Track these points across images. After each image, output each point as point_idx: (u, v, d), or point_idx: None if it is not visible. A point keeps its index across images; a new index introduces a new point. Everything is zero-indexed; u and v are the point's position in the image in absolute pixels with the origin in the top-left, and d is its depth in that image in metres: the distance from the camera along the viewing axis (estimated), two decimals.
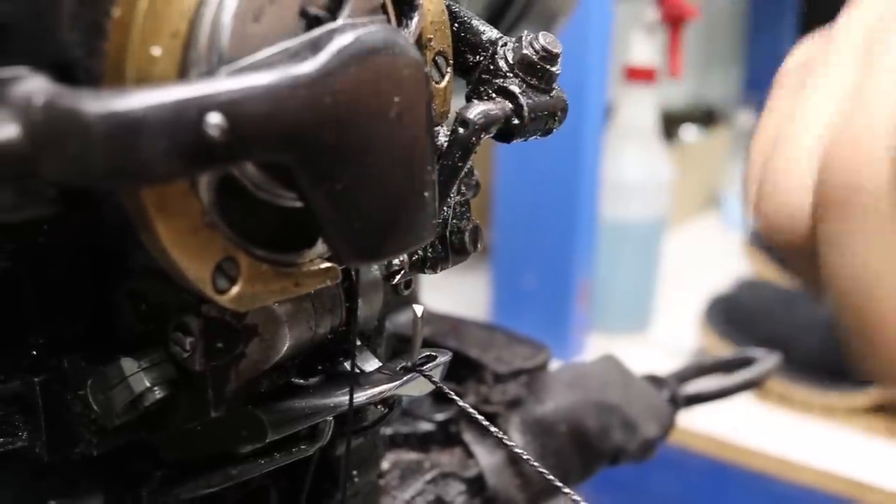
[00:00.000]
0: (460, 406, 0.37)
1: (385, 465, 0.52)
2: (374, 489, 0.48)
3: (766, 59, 2.64)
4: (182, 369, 0.34)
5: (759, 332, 1.32)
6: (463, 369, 0.58)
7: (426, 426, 0.55)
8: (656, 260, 1.46)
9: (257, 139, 0.25)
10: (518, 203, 1.35)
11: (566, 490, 0.42)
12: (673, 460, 1.24)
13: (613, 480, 1.28)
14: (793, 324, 1.32)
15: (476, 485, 0.55)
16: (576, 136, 1.27)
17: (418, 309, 0.36)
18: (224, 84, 0.25)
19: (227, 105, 0.24)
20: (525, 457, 0.41)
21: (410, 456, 0.54)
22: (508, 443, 0.40)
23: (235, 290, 0.29)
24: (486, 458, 0.55)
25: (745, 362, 0.70)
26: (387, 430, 0.52)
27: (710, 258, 1.77)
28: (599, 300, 1.42)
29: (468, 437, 0.56)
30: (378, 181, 0.29)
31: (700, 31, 2.34)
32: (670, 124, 1.82)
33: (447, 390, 0.37)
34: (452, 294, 1.53)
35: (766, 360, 0.69)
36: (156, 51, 0.26)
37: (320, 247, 0.32)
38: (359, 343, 0.37)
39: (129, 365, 0.34)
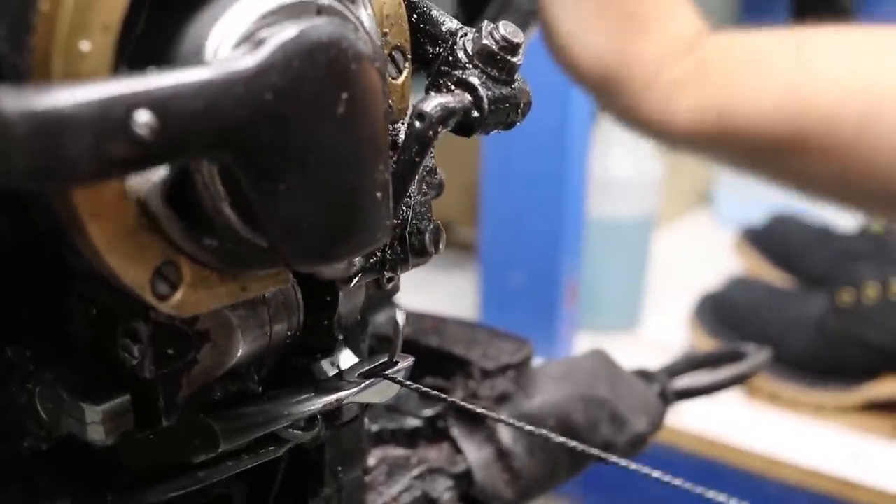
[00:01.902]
0: (434, 397, 0.36)
1: (372, 461, 0.52)
2: (360, 485, 0.47)
3: None
4: (132, 377, 0.33)
5: (749, 330, 1.31)
6: (449, 365, 0.58)
7: (413, 422, 0.54)
8: (645, 258, 1.45)
9: (190, 138, 0.24)
10: (505, 201, 1.34)
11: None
12: (661, 459, 1.23)
13: (602, 479, 1.27)
14: (783, 322, 1.31)
15: (464, 480, 0.54)
16: (563, 133, 1.26)
17: (400, 316, 0.35)
18: (154, 80, 0.23)
19: (157, 102, 0.23)
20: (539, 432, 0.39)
21: (397, 452, 0.53)
22: (519, 424, 0.39)
23: (177, 295, 0.28)
24: (474, 454, 0.55)
25: (735, 356, 0.69)
26: (373, 426, 0.51)
27: (701, 256, 1.76)
28: (588, 299, 1.41)
29: (456, 432, 0.55)
30: (325, 181, 0.27)
31: None
32: None
33: (413, 385, 0.36)
34: (439, 294, 1.52)
35: (757, 355, 0.68)
36: (85, 45, 0.24)
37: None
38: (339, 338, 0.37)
39: (91, 413, 0.33)
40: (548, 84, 1.26)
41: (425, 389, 0.39)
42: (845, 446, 1.19)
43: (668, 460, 1.23)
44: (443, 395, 0.38)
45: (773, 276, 1.56)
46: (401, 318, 0.35)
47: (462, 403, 0.41)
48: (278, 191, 0.26)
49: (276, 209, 0.27)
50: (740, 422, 1.24)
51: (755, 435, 1.21)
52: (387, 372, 0.35)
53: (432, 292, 1.50)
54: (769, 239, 1.62)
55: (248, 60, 0.25)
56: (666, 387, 0.64)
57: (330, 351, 0.36)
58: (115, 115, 0.23)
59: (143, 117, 0.23)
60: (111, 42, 0.25)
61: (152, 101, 0.23)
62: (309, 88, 0.26)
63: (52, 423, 0.34)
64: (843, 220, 1.69)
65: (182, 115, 0.24)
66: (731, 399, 1.28)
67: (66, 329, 0.35)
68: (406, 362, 0.37)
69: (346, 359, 0.36)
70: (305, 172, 0.27)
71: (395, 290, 0.42)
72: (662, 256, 1.60)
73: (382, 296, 0.46)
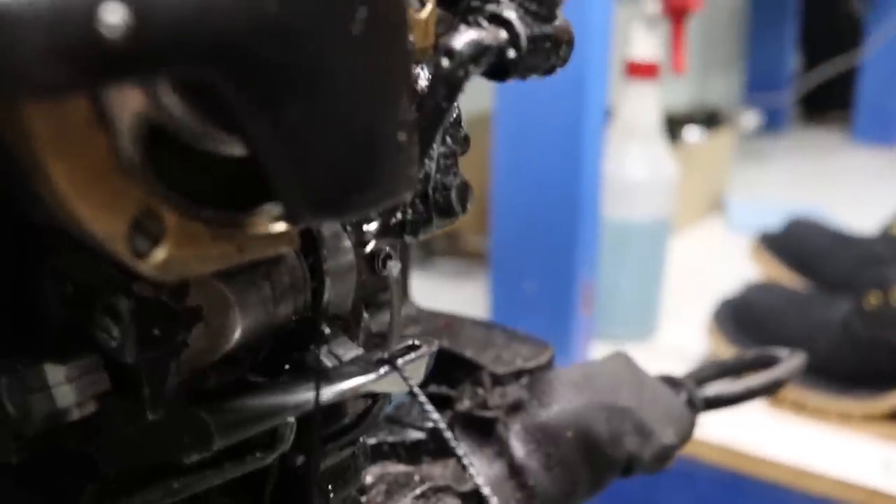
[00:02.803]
0: (428, 413, 0.31)
1: (369, 478, 0.46)
2: None
3: (768, 61, 2.60)
4: (113, 362, 0.28)
5: (771, 336, 1.26)
6: (458, 371, 0.52)
7: (416, 435, 0.49)
8: (662, 262, 1.40)
9: (175, 46, 0.19)
10: (516, 205, 1.29)
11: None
12: (683, 471, 1.18)
13: (621, 492, 1.22)
14: (805, 327, 1.26)
15: (473, 500, 0.48)
16: (576, 135, 1.21)
17: (394, 267, 0.30)
18: None
19: None
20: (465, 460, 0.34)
21: (398, 468, 0.48)
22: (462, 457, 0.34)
23: (159, 253, 0.23)
24: (484, 470, 0.49)
25: (767, 361, 0.64)
26: (370, 439, 0.46)
27: (717, 262, 1.71)
28: (603, 305, 1.36)
29: (464, 446, 0.50)
30: (338, 114, 0.23)
31: (701, 31, 2.30)
32: (673, 125, 1.76)
33: (418, 393, 0.31)
34: (450, 301, 1.47)
35: (791, 360, 0.63)
36: None
37: (274, 207, 0.26)
38: (329, 331, 0.31)
39: (53, 373, 0.28)
40: (561, 85, 1.23)
41: (422, 396, 0.34)
42: (874, 456, 1.14)
43: (689, 472, 1.18)
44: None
45: (791, 280, 1.52)
46: (395, 268, 0.30)
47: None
48: (282, 122, 0.22)
49: (278, 144, 0.22)
50: (764, 431, 1.19)
51: (779, 445, 1.16)
52: (407, 357, 0.30)
53: (442, 300, 1.45)
54: (787, 243, 1.57)
55: None
56: (694, 394, 0.59)
57: (318, 342, 0.31)
58: (77, 8, 0.18)
59: (113, 14, 0.18)
60: None
61: None
62: (319, 0, 0.22)
63: (21, 416, 0.29)
64: (862, 222, 1.65)
65: (165, 16, 0.19)
66: (755, 408, 1.23)
67: (39, 314, 0.31)
68: (428, 347, 0.32)
69: (344, 347, 0.31)
70: (314, 101, 0.22)
71: (392, 277, 0.36)
72: (677, 263, 1.55)
73: (377, 282, 0.40)
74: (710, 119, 1.97)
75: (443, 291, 1.53)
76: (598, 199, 1.27)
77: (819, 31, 2.67)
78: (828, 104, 2.71)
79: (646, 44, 1.31)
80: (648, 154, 1.33)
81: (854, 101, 2.54)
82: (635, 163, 1.32)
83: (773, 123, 2.53)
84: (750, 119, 2.20)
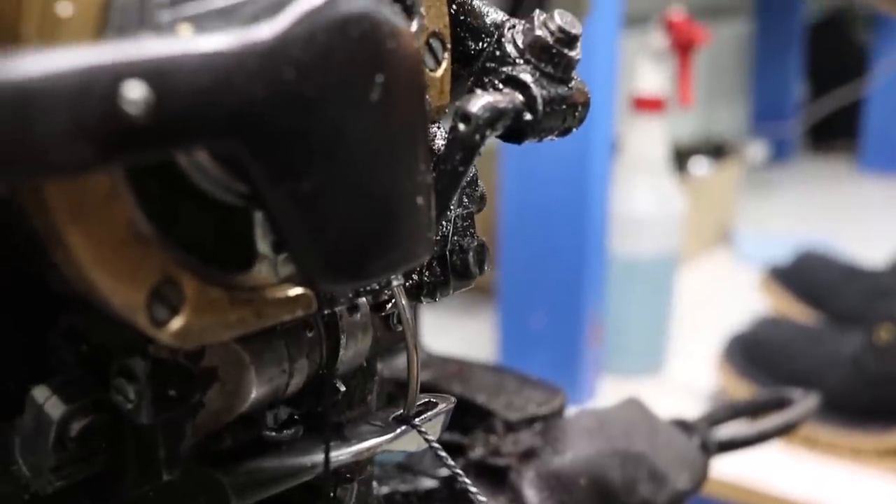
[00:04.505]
0: (455, 473, 0.31)
1: None
2: None
3: (774, 91, 2.60)
4: (128, 423, 0.28)
5: (781, 371, 1.25)
6: (470, 417, 0.52)
7: (429, 483, 0.48)
8: (670, 296, 1.39)
9: (194, 120, 0.19)
10: (524, 240, 1.29)
11: None
12: None
13: None
14: (816, 362, 1.25)
15: None
16: (583, 169, 1.21)
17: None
18: (150, 47, 0.19)
19: (153, 73, 0.19)
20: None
21: None
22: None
23: (178, 321, 0.23)
24: None
25: (779, 403, 0.63)
26: (383, 489, 0.46)
27: (725, 295, 1.70)
28: (611, 340, 1.35)
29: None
30: (356, 181, 0.23)
31: (707, 62, 2.30)
32: (680, 157, 1.76)
33: (440, 450, 0.30)
34: (458, 336, 1.47)
35: (805, 401, 0.62)
36: (64, 9, 0.20)
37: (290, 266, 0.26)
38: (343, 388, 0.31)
39: (40, 393, 0.28)
40: None
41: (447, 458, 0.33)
42: (887, 491, 1.13)
43: None
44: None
45: (800, 313, 1.51)
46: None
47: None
48: (300, 191, 0.22)
49: (298, 213, 0.22)
50: (774, 467, 1.18)
51: (791, 480, 1.15)
52: (424, 416, 0.30)
53: (449, 335, 1.45)
54: (797, 276, 1.56)
55: (265, 30, 0.21)
56: (707, 438, 0.59)
57: (331, 399, 0.31)
58: (99, 86, 0.18)
59: (135, 91, 0.18)
60: (97, 3, 0.20)
61: (147, 71, 0.18)
62: (337, 67, 0.22)
63: (33, 474, 0.29)
64: (870, 252, 1.64)
65: (184, 90, 0.19)
66: (766, 443, 1.22)
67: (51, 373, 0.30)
68: (446, 404, 0.32)
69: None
70: (333, 169, 0.22)
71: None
72: (685, 295, 1.55)
73: (392, 338, 0.39)
74: (717, 150, 1.97)
75: (450, 325, 1.52)
76: (605, 233, 1.27)
77: (825, 61, 2.67)
78: (834, 134, 2.71)
79: (652, 78, 1.31)
80: (655, 188, 1.33)
81: (861, 130, 2.54)
82: (642, 197, 1.32)
83: (779, 154, 2.53)
84: (757, 150, 2.20)
